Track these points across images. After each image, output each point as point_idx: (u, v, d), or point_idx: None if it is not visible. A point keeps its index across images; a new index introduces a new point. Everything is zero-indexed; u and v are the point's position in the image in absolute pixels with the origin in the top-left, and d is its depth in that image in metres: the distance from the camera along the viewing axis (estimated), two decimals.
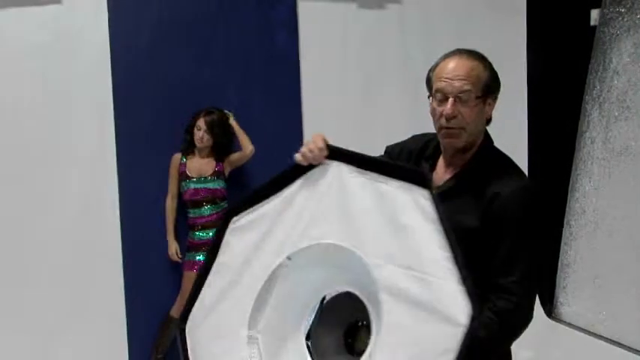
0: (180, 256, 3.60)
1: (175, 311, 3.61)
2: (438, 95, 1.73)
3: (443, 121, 1.72)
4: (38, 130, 3.53)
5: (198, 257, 3.56)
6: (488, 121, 1.80)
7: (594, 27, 4.30)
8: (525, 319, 1.67)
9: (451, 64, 1.73)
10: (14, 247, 3.50)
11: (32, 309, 3.51)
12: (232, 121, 3.65)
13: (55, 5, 3.52)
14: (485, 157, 1.76)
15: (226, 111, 3.68)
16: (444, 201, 1.71)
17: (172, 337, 3.60)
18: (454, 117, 1.69)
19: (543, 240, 1.73)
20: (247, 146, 3.64)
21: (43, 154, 3.53)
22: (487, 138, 1.81)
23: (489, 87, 1.73)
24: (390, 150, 2.01)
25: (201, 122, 3.58)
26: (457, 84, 1.69)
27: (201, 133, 3.57)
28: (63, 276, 3.55)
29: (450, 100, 1.69)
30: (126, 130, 3.64)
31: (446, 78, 1.71)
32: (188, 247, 3.62)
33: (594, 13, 4.36)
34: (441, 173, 1.83)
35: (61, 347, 3.52)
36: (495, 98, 1.77)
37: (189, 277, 3.57)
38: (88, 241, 3.59)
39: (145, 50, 3.67)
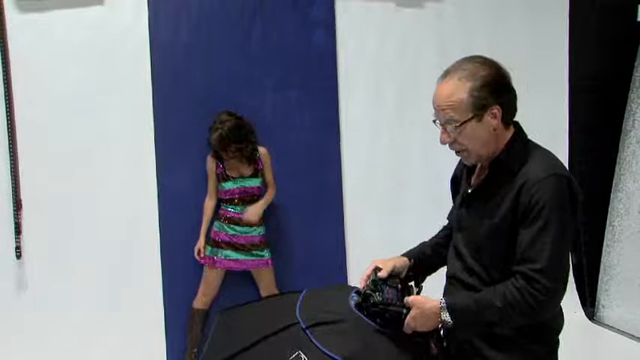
0: (201, 256, 3.61)
1: (197, 302, 3.65)
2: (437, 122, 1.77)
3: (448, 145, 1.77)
4: (79, 129, 3.59)
5: (218, 255, 3.57)
6: (509, 123, 1.77)
7: None
8: (554, 304, 1.69)
9: (437, 91, 1.74)
10: (57, 244, 3.59)
11: (74, 304, 3.59)
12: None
13: (97, 6, 3.59)
14: (515, 150, 1.76)
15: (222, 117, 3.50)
16: (475, 201, 1.79)
17: (200, 329, 3.63)
18: (451, 143, 1.74)
19: (573, 225, 1.71)
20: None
21: (83, 152, 3.60)
22: (516, 134, 1.79)
23: (478, 105, 1.68)
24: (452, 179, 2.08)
25: (213, 142, 3.45)
26: (441, 114, 1.72)
27: (222, 152, 3.49)
28: (103, 273, 3.63)
29: (441, 128, 1.73)
30: (165, 128, 3.69)
31: (435, 106, 1.74)
32: (210, 239, 3.61)
33: None
34: (479, 175, 1.87)
35: (100, 342, 3.59)
36: (500, 105, 1.70)
37: (210, 271, 3.61)
38: (127, 239, 3.65)
39: (184, 50, 3.71)
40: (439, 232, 2.14)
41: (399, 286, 1.87)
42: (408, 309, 1.73)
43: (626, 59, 4.24)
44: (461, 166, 1.99)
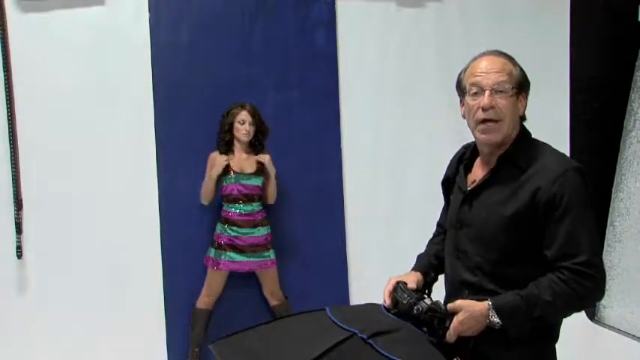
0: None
1: (200, 303, 3.66)
2: (474, 89, 1.76)
3: (480, 114, 1.75)
4: (80, 129, 3.60)
5: (222, 257, 3.58)
6: (522, 119, 1.83)
7: None
8: (601, 292, 1.71)
9: (484, 62, 1.78)
10: (57, 244, 3.59)
11: (74, 303, 3.59)
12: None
13: (98, 6, 3.59)
14: (523, 146, 1.79)
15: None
16: (479, 196, 1.75)
17: (203, 329, 3.64)
18: (492, 107, 1.73)
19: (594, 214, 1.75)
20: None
21: (84, 152, 3.61)
22: (524, 131, 1.83)
23: (521, 83, 1.77)
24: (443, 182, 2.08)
25: (243, 115, 3.58)
26: (493, 76, 1.74)
27: (246, 126, 3.57)
28: (103, 273, 3.63)
29: (487, 92, 1.73)
30: (166, 127, 3.69)
31: (480, 72, 1.76)
32: (213, 241, 3.62)
33: None
34: (479, 172, 1.87)
35: (101, 342, 3.60)
36: (526, 97, 1.81)
37: (213, 273, 3.62)
38: (128, 238, 3.65)
39: (185, 50, 3.72)
40: (433, 238, 2.13)
41: (430, 297, 1.86)
42: (452, 315, 1.72)
43: (626, 59, 4.23)
44: (454, 166, 1.99)
